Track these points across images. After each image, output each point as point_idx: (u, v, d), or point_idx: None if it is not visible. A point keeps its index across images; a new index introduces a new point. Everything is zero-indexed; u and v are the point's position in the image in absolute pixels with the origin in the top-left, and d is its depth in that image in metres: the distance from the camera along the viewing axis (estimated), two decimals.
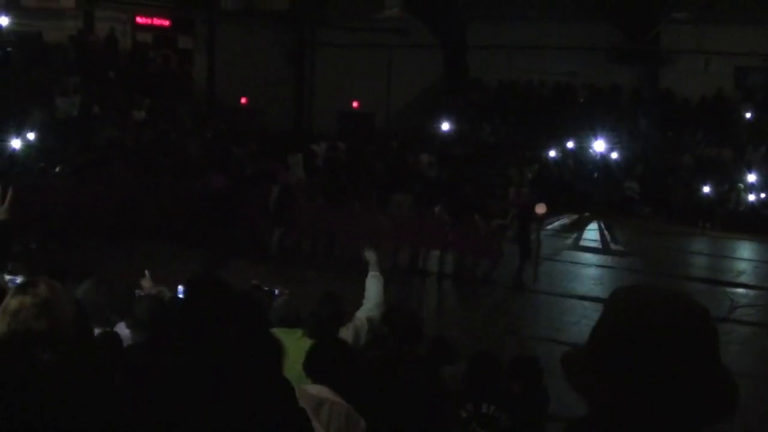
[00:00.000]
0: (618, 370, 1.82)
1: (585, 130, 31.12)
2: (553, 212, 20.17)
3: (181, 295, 7.15)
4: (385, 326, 5.81)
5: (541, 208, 19.01)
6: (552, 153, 30.03)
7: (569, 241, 21.83)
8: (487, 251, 18.81)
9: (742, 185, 28.42)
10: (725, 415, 1.87)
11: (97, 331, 5.38)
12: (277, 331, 5.96)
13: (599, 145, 28.10)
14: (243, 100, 33.59)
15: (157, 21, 33.37)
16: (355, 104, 35.98)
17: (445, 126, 31.54)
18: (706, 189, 28.42)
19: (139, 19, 32.71)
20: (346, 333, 6.29)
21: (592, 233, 24.51)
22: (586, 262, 21.54)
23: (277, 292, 8.62)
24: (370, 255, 7.24)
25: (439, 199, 20.06)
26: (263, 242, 20.37)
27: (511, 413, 6.11)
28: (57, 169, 20.94)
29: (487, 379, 6.09)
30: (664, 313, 1.84)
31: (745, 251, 25.09)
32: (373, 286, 6.92)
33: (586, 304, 16.83)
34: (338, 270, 17.72)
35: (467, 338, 13.99)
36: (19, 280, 7.03)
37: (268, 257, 19.56)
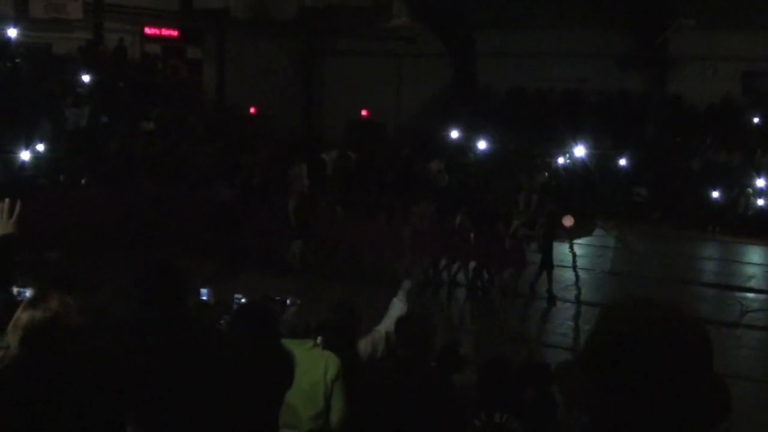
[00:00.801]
0: (611, 379, 1.85)
1: (594, 136, 31.17)
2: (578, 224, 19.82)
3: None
4: (396, 336, 5.83)
5: (568, 221, 18.84)
6: (561, 159, 30.00)
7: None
8: (511, 260, 18.59)
9: (751, 190, 28.36)
10: (717, 421, 1.88)
11: None
12: (288, 342, 6.00)
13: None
14: (252, 110, 33.63)
15: (165, 32, 33.51)
16: (364, 113, 36.00)
17: (455, 134, 31.57)
18: (715, 194, 28.40)
19: (147, 30, 32.85)
20: (364, 345, 6.31)
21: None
22: (604, 269, 21.50)
23: (288, 302, 8.64)
24: (406, 284, 7.29)
25: (460, 208, 19.89)
26: (280, 253, 20.38)
27: (523, 421, 6.12)
28: (83, 181, 21.21)
29: (498, 387, 6.10)
30: (656, 323, 1.88)
31: (755, 256, 25.03)
32: (397, 308, 6.96)
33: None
34: (358, 281, 17.79)
35: (486, 347, 14.00)
36: (29, 292, 7.08)
37: (286, 268, 19.55)
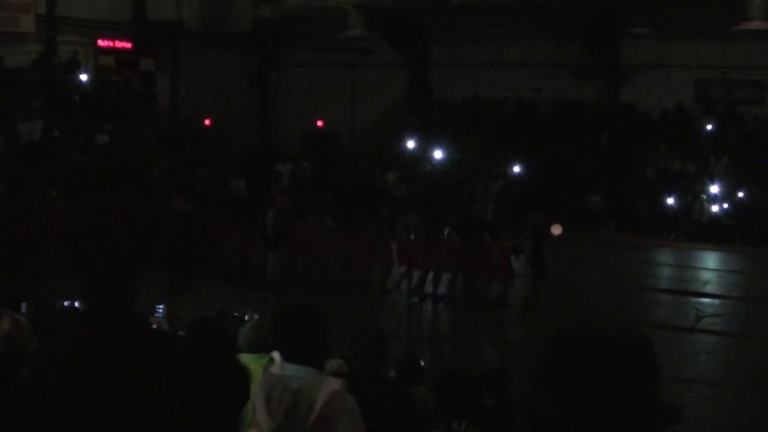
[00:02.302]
0: (560, 391, 1.90)
1: (549, 145, 31.42)
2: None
3: None
4: (351, 349, 5.82)
5: (556, 230, 18.77)
6: (516, 168, 30.14)
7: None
8: (499, 272, 18.48)
9: (705, 196, 28.71)
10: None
11: None
12: (245, 357, 5.96)
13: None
14: (207, 122, 33.46)
15: (119, 44, 33.28)
16: (320, 123, 35.93)
17: (410, 144, 31.63)
18: (670, 201, 28.71)
19: (101, 42, 32.60)
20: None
21: None
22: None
23: (246, 317, 8.59)
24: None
25: (447, 220, 19.76)
26: (254, 266, 20.20)
27: (482, 428, 6.12)
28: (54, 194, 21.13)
29: (456, 396, 6.11)
30: (604, 339, 1.94)
31: (710, 261, 25.34)
32: None
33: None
34: (334, 294, 17.72)
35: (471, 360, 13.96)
36: None
37: (258, 281, 19.36)
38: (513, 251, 18.74)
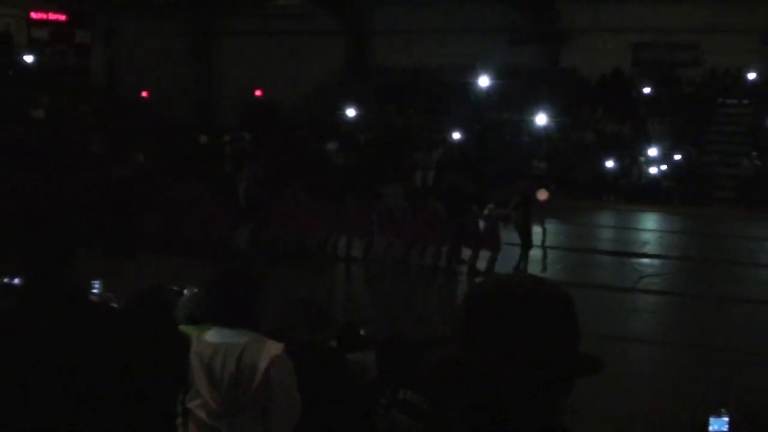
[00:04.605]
0: (476, 345, 1.91)
1: (489, 112, 31.52)
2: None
3: None
4: (291, 319, 5.78)
5: (543, 195, 18.39)
6: (456, 135, 30.19)
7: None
8: (486, 242, 18.00)
9: (643, 159, 29.09)
10: (569, 388, 1.96)
11: None
12: (184, 328, 5.90)
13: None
14: (144, 94, 32.98)
15: (53, 16, 32.62)
16: (258, 93, 35.58)
17: (351, 112, 31.50)
18: (609, 164, 29.03)
19: (33, 15, 31.92)
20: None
21: None
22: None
23: (186, 291, 8.49)
24: None
25: (432, 190, 19.29)
26: (219, 239, 19.69)
27: (428, 396, 6.12)
28: None
29: (398, 364, 6.09)
30: (519, 293, 1.95)
31: (649, 222, 25.71)
32: None
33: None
34: (311, 268, 17.58)
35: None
36: None
37: (232, 255, 18.77)
38: (503, 220, 18.47)
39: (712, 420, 3.90)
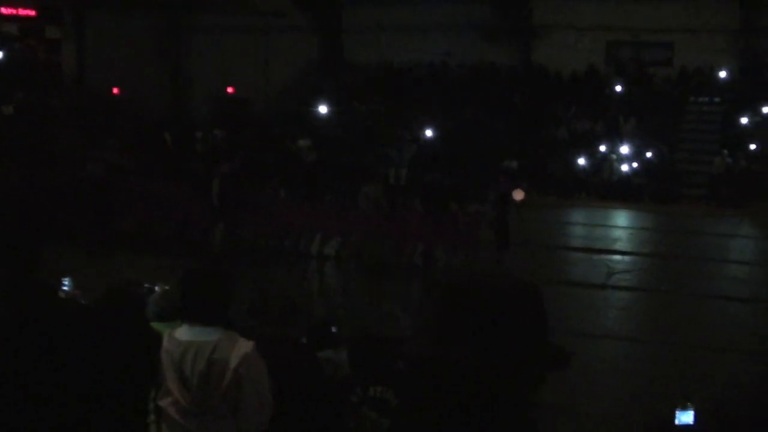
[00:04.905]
0: (454, 337, 1.93)
1: (463, 109, 31.54)
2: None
3: None
4: (259, 314, 5.77)
5: (519, 194, 18.58)
6: (429, 132, 30.19)
7: None
8: (465, 240, 18.03)
9: (614, 156, 29.25)
10: (540, 379, 1.98)
11: None
12: (155, 326, 5.89)
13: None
14: (115, 90, 32.75)
15: (22, 11, 32.33)
16: (230, 90, 35.41)
17: (322, 109, 31.43)
18: (581, 161, 29.16)
19: (3, 10, 31.64)
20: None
21: None
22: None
23: (157, 288, 8.45)
24: None
25: (410, 188, 19.16)
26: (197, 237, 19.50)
27: (398, 392, 6.13)
28: None
29: (369, 361, 6.10)
30: (490, 287, 1.97)
31: (620, 219, 25.87)
32: None
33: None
34: (285, 266, 17.50)
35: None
36: None
37: (206, 253, 18.53)
38: (481, 218, 18.45)
39: (678, 413, 3.93)
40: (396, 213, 18.79)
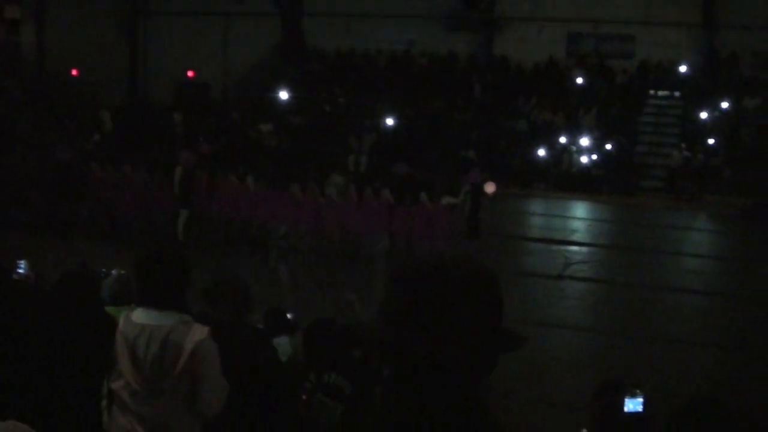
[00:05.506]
0: (405, 325, 1.93)
1: (423, 98, 31.55)
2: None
3: None
4: (212, 300, 5.76)
5: (490, 187, 18.58)
6: (390, 121, 30.16)
7: None
8: (436, 231, 17.82)
9: (574, 147, 29.42)
10: (494, 363, 2.00)
11: None
12: (109, 309, 5.86)
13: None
14: (74, 72, 32.38)
15: None
16: (190, 74, 35.10)
17: (283, 95, 31.30)
18: (541, 152, 29.30)
19: None
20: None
21: None
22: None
23: (114, 272, 8.39)
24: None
25: (380, 178, 19.00)
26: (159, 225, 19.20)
27: (352, 380, 6.14)
28: None
29: (323, 347, 6.10)
30: (445, 272, 1.97)
31: (578, 210, 26.03)
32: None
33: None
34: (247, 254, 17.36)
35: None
36: None
37: (167, 239, 18.07)
38: (453, 209, 18.39)
39: (627, 400, 3.97)
40: (364, 203, 18.59)
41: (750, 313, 15.63)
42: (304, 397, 5.94)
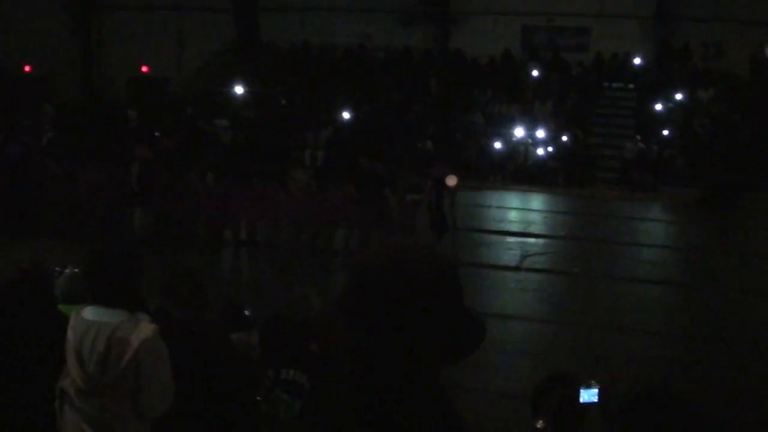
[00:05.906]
0: (363, 318, 1.93)
1: (379, 92, 31.54)
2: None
3: None
4: (169, 295, 5.71)
5: (452, 180, 18.53)
6: (346, 115, 30.11)
7: None
8: (400, 227, 17.66)
9: (530, 140, 29.57)
10: (467, 351, 2.01)
11: None
12: (63, 307, 5.79)
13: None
14: (27, 68, 31.94)
15: None
16: (144, 69, 34.75)
17: (239, 90, 31.14)
18: (497, 145, 29.41)
19: None
20: None
21: None
22: None
23: (67, 270, 8.29)
24: None
25: (342, 173, 18.80)
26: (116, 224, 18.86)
27: (310, 375, 6.12)
28: None
29: (280, 343, 6.08)
30: (404, 263, 1.96)
31: (535, 202, 26.18)
32: None
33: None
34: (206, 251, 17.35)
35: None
36: None
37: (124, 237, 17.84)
38: (416, 205, 18.38)
39: (582, 391, 4.00)
40: (326, 198, 18.46)
41: (705, 302, 15.83)
42: (261, 394, 5.92)
